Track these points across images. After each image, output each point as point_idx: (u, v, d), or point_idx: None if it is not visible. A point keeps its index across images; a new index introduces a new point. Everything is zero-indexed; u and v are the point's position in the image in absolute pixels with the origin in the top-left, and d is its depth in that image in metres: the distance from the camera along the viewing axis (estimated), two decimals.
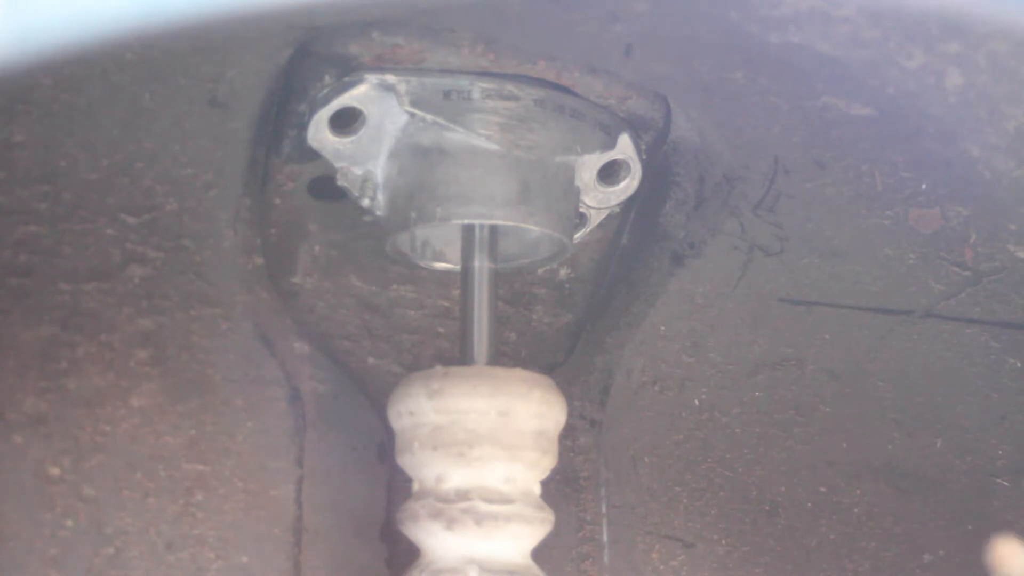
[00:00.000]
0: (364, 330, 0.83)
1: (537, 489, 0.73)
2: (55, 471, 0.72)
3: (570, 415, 0.75)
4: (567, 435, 0.78)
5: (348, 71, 0.70)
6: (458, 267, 0.78)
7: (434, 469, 0.71)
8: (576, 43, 0.69)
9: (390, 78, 0.71)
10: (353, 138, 0.72)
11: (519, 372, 0.72)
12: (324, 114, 0.71)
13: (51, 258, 0.71)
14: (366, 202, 0.74)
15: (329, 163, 0.74)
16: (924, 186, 0.71)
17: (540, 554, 0.74)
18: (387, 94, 0.71)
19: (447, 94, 0.71)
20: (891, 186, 0.72)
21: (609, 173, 0.78)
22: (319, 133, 0.72)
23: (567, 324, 0.87)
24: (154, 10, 0.40)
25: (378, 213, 0.75)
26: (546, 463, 0.73)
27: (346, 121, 0.72)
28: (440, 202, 0.72)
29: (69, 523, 0.72)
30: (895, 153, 0.69)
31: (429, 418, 0.71)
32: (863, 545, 0.91)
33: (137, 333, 0.74)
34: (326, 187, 0.78)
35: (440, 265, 0.81)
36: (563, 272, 0.86)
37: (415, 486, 0.73)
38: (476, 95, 0.71)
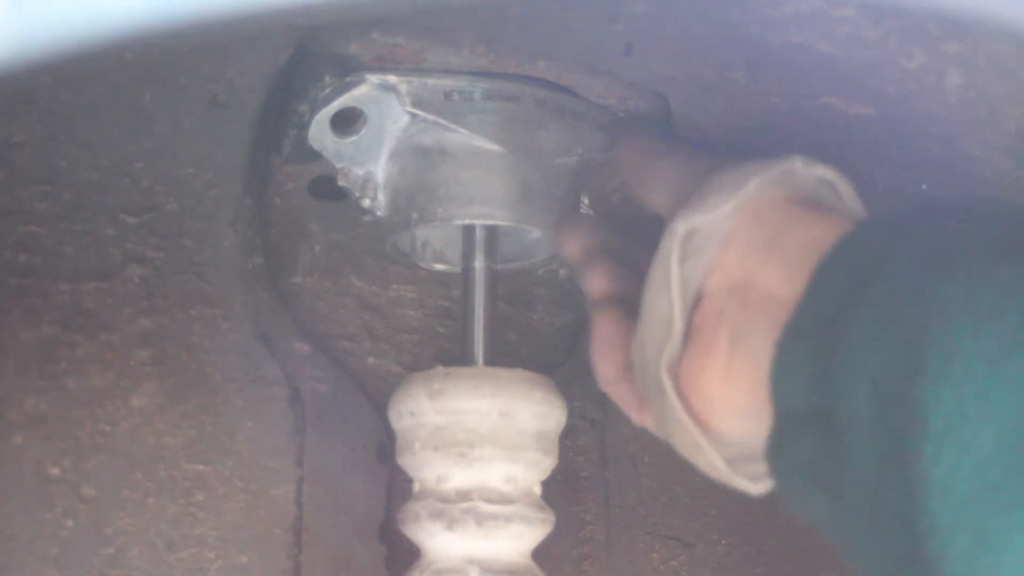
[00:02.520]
0: (364, 330, 0.83)
1: (538, 489, 0.73)
2: (55, 471, 0.72)
3: (570, 415, 0.75)
4: (567, 435, 0.78)
5: (348, 71, 0.70)
6: (458, 268, 0.78)
7: (435, 469, 0.71)
8: (576, 43, 0.69)
9: (391, 78, 0.71)
10: (354, 138, 0.72)
11: (520, 372, 0.73)
12: (325, 114, 0.71)
13: (51, 258, 0.71)
14: (367, 202, 0.74)
15: (330, 163, 0.74)
16: (924, 186, 0.71)
17: (540, 554, 0.74)
18: (388, 94, 0.71)
19: (448, 94, 0.71)
20: (891, 186, 0.72)
21: None
22: (320, 133, 0.72)
23: (567, 324, 0.87)
24: (154, 10, 0.40)
25: (379, 213, 0.75)
26: (547, 464, 0.73)
27: (347, 121, 0.72)
28: (441, 202, 0.72)
29: (69, 523, 0.72)
30: (895, 153, 0.69)
31: (430, 418, 0.71)
32: None
33: (137, 333, 0.74)
34: (326, 187, 0.78)
35: (440, 266, 0.81)
36: (563, 272, 0.86)
37: (416, 486, 0.73)
38: (477, 96, 0.71)
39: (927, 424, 0.42)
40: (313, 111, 0.71)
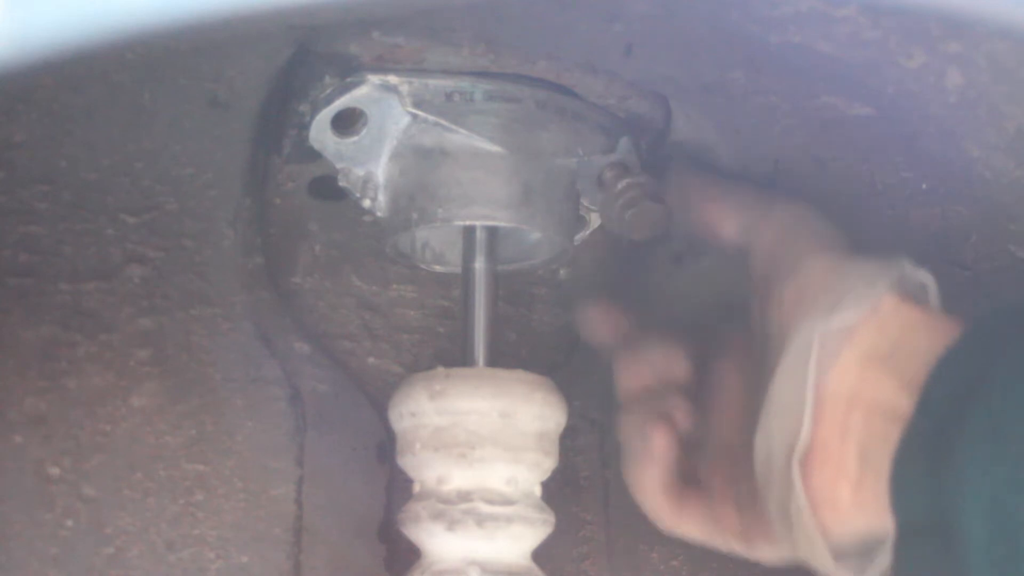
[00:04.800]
0: (364, 330, 0.83)
1: (538, 490, 0.73)
2: (55, 471, 0.72)
3: (571, 415, 0.75)
4: (567, 435, 0.78)
5: (348, 71, 0.70)
6: (458, 269, 0.78)
7: (435, 470, 0.71)
8: (576, 43, 0.69)
9: (392, 79, 0.71)
10: (355, 139, 0.72)
11: (521, 374, 0.72)
12: (326, 114, 0.71)
13: (51, 258, 0.71)
14: (367, 203, 0.74)
15: (330, 163, 0.74)
16: (924, 186, 0.71)
17: (540, 554, 0.74)
18: (389, 95, 0.71)
19: (449, 95, 0.71)
20: (891, 186, 0.72)
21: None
22: (321, 133, 0.72)
23: (567, 324, 0.87)
24: (154, 10, 0.40)
25: (379, 214, 0.75)
26: (547, 464, 0.73)
27: (348, 121, 0.72)
28: (442, 203, 0.72)
29: (69, 523, 0.72)
30: (895, 153, 0.69)
31: (431, 419, 0.71)
32: None
33: (137, 333, 0.74)
34: (326, 187, 0.78)
35: (440, 267, 0.81)
36: (563, 272, 0.86)
37: (416, 487, 0.73)
38: (478, 96, 0.71)
39: None
40: (314, 111, 0.71)
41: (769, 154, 0.75)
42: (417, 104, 0.71)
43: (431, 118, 0.71)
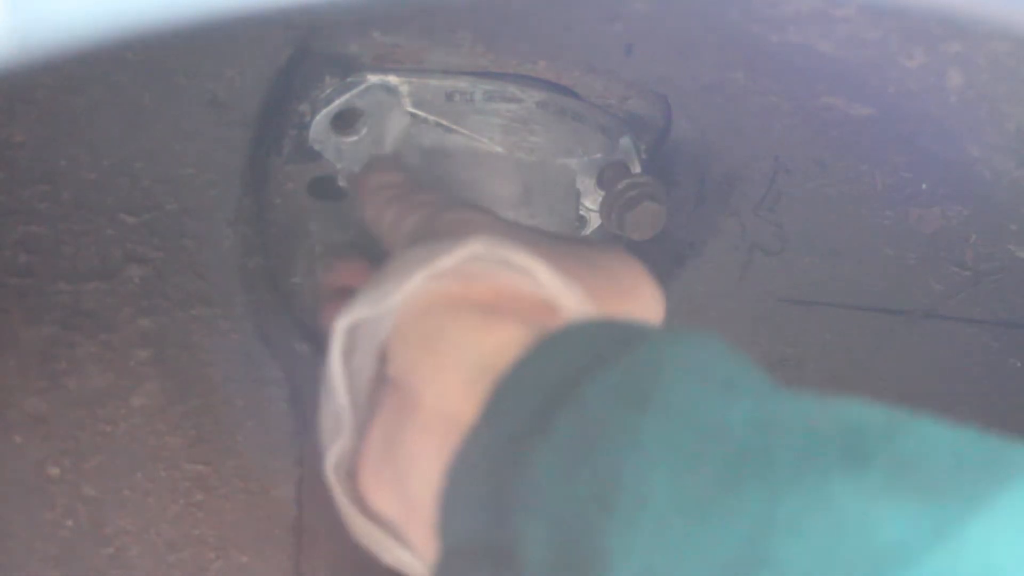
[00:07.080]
0: None
1: None
2: (55, 471, 0.72)
3: None
4: None
5: (348, 71, 0.70)
6: None
7: None
8: (576, 43, 0.69)
9: (392, 79, 0.71)
10: (355, 138, 0.72)
11: None
12: (326, 114, 0.71)
13: (51, 258, 0.71)
14: None
15: (330, 163, 0.74)
16: (924, 186, 0.71)
17: None
18: (389, 95, 0.71)
19: (449, 95, 0.71)
20: (891, 186, 0.72)
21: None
22: (321, 133, 0.72)
23: None
24: (154, 10, 0.40)
25: None
26: None
27: (348, 121, 0.72)
28: None
29: (69, 523, 0.72)
30: (895, 153, 0.69)
31: None
32: None
33: (137, 333, 0.74)
34: (327, 187, 0.78)
35: None
36: None
37: None
38: (478, 97, 0.71)
39: (611, 572, 0.38)
40: (314, 111, 0.71)
41: (770, 153, 0.75)
42: (417, 104, 0.71)
43: (431, 118, 0.71)
